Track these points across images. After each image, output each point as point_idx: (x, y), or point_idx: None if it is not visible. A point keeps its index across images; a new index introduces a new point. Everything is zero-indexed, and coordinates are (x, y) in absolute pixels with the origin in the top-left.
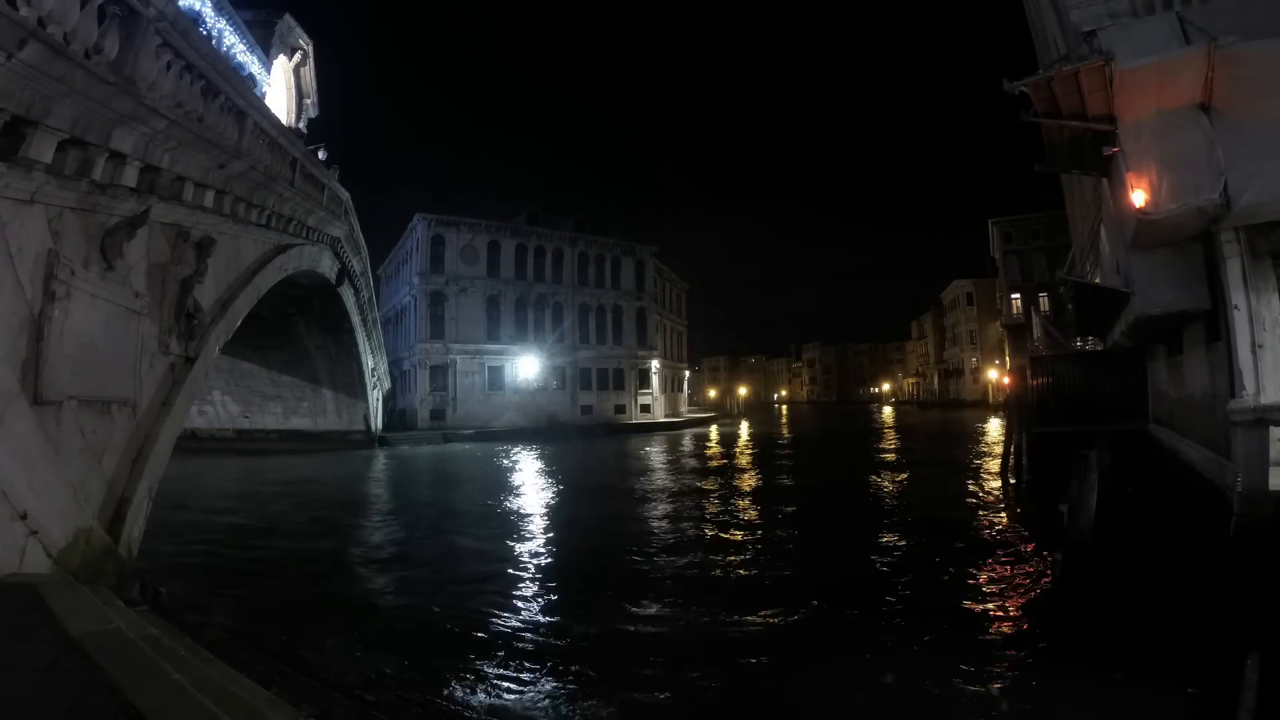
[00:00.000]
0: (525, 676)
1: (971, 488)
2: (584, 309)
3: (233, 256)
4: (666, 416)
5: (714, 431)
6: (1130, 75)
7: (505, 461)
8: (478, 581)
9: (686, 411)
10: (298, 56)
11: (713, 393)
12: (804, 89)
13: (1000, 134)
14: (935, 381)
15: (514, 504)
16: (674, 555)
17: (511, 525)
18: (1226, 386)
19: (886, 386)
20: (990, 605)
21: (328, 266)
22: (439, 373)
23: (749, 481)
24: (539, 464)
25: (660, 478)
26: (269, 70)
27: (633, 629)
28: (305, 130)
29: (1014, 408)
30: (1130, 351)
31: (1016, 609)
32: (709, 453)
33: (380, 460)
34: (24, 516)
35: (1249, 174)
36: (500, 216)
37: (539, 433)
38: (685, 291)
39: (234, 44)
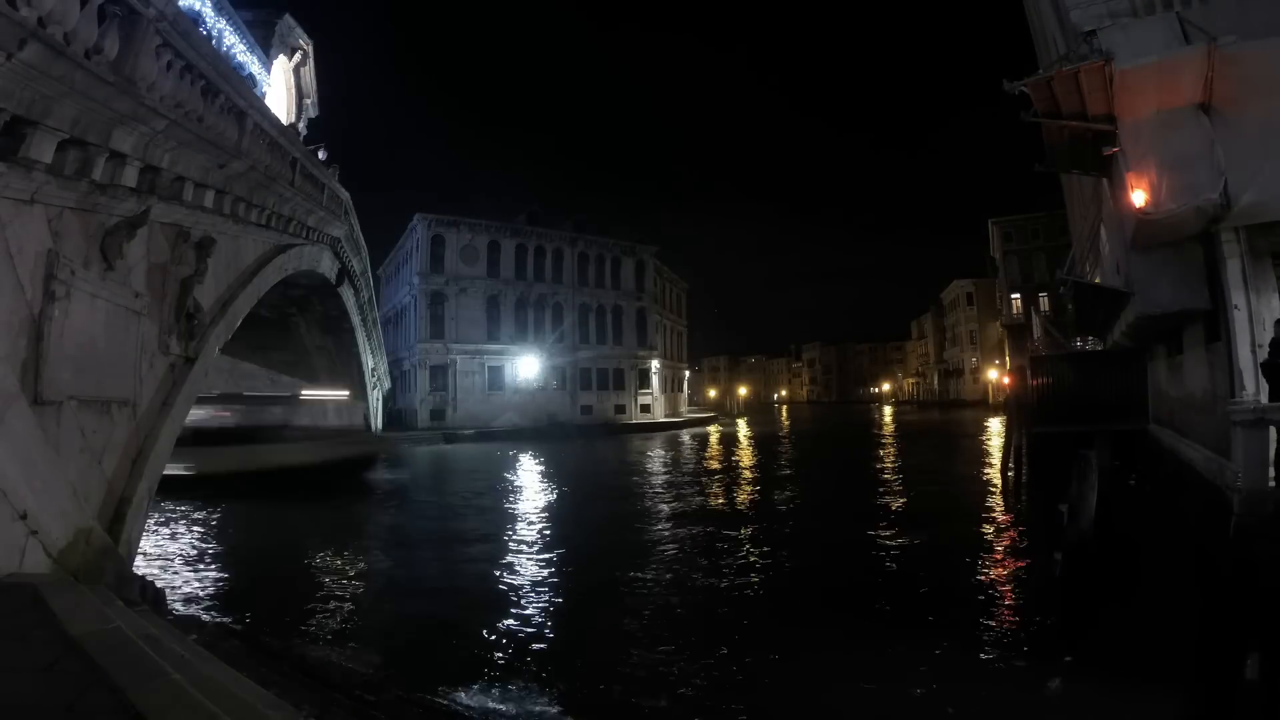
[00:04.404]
0: (526, 676)
1: (971, 488)
2: (584, 309)
3: (233, 256)
4: (666, 416)
5: (714, 431)
6: (1130, 75)
7: (506, 462)
8: (478, 581)
9: (686, 411)
10: (298, 56)
11: (713, 393)
12: (808, 88)
13: (1002, 134)
14: (935, 381)
15: (514, 504)
16: (674, 555)
17: (512, 525)
18: (1226, 386)
19: (886, 386)
20: (990, 605)
21: (328, 266)
22: (439, 373)
23: (749, 482)
24: (539, 464)
25: (660, 478)
26: (269, 70)
27: (634, 630)
28: (305, 130)
29: (1014, 408)
30: (1130, 351)
31: (1016, 609)
32: (709, 453)
33: (380, 461)
34: (24, 516)
35: (1249, 174)
36: (500, 216)
37: (539, 433)
38: (685, 291)
39: (234, 44)
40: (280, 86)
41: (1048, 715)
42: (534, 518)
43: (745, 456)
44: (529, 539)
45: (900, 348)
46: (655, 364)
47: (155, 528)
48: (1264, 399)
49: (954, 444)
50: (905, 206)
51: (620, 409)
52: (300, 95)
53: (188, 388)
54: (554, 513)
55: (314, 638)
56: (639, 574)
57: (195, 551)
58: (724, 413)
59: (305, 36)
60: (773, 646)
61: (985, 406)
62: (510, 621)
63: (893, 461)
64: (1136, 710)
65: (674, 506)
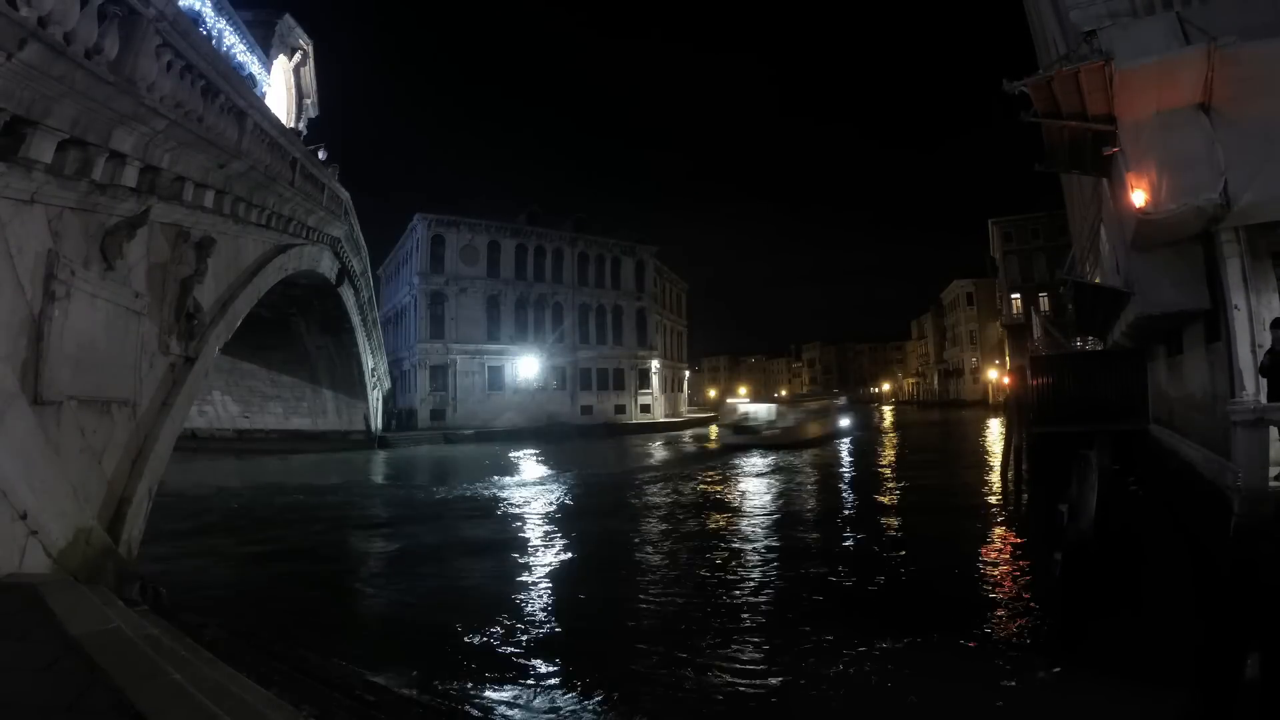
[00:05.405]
0: (526, 676)
1: (971, 488)
2: (584, 309)
3: (233, 256)
4: (666, 416)
5: (714, 432)
6: (1130, 75)
7: (506, 462)
8: (478, 583)
9: (686, 411)
10: (298, 56)
11: (713, 393)
12: (807, 88)
13: (1002, 134)
14: (935, 381)
15: (515, 505)
16: (674, 556)
17: (512, 526)
18: (1226, 386)
19: (886, 386)
20: (990, 605)
21: (328, 266)
22: (439, 373)
23: (750, 482)
24: (539, 464)
25: (659, 477)
26: (269, 70)
27: (636, 630)
28: (305, 130)
29: (1014, 408)
30: (1130, 351)
31: (1016, 609)
32: (710, 454)
33: (381, 460)
34: (24, 516)
35: (1249, 174)
36: (500, 216)
37: (539, 433)
38: (685, 291)
39: (234, 44)
40: (280, 86)
41: (1047, 715)
42: (534, 519)
43: (748, 454)
44: (529, 541)
45: (900, 348)
46: (655, 364)
47: (155, 526)
48: (1264, 399)
49: (954, 443)
50: (906, 206)
51: (620, 409)
52: (300, 95)
53: (188, 388)
54: (555, 513)
55: (314, 637)
56: (643, 575)
57: (196, 550)
58: None
59: (305, 37)
60: (773, 647)
61: (985, 406)
62: (512, 622)
63: (893, 461)
64: (1137, 710)
65: (673, 507)
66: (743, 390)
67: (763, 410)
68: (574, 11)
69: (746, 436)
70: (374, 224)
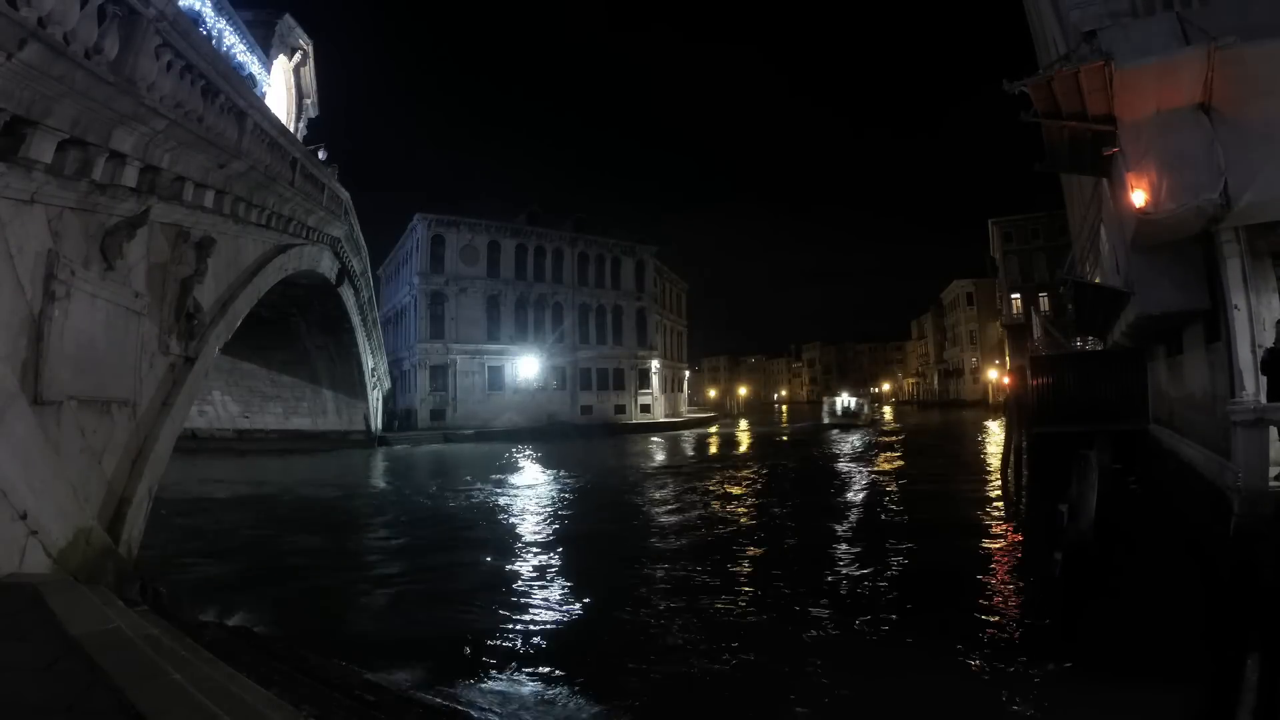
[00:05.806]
0: (526, 676)
1: (971, 488)
2: (584, 309)
3: (233, 256)
4: (666, 417)
5: (715, 432)
6: (1130, 75)
7: (506, 462)
8: (478, 582)
9: (686, 412)
10: (298, 56)
11: (713, 393)
12: (808, 87)
13: (1002, 133)
14: (935, 381)
15: (514, 504)
16: (674, 558)
17: (511, 526)
18: (1226, 386)
19: (887, 386)
20: (990, 605)
21: (328, 266)
22: (439, 373)
23: (751, 483)
24: (539, 464)
25: (658, 477)
26: (269, 70)
27: (636, 631)
28: (305, 130)
29: (1014, 408)
30: (1130, 351)
31: (1017, 609)
32: (710, 454)
33: (380, 460)
34: (24, 516)
35: (1249, 174)
36: (500, 216)
37: (539, 433)
38: (685, 291)
39: (234, 44)
40: (280, 86)
41: (1047, 716)
42: (533, 520)
43: (748, 458)
44: (528, 542)
45: (900, 348)
46: (655, 364)
47: (155, 526)
48: (1264, 399)
49: (954, 444)
50: (906, 207)
51: (620, 409)
52: (300, 95)
53: (188, 388)
54: (554, 514)
55: (314, 637)
56: (642, 578)
57: (195, 550)
58: (724, 413)
59: (305, 36)
60: (773, 647)
61: (985, 406)
62: (512, 622)
63: (893, 462)
64: (1137, 711)
65: (672, 508)
66: (742, 390)
67: (854, 402)
68: (574, 9)
69: (846, 419)
70: (374, 224)
